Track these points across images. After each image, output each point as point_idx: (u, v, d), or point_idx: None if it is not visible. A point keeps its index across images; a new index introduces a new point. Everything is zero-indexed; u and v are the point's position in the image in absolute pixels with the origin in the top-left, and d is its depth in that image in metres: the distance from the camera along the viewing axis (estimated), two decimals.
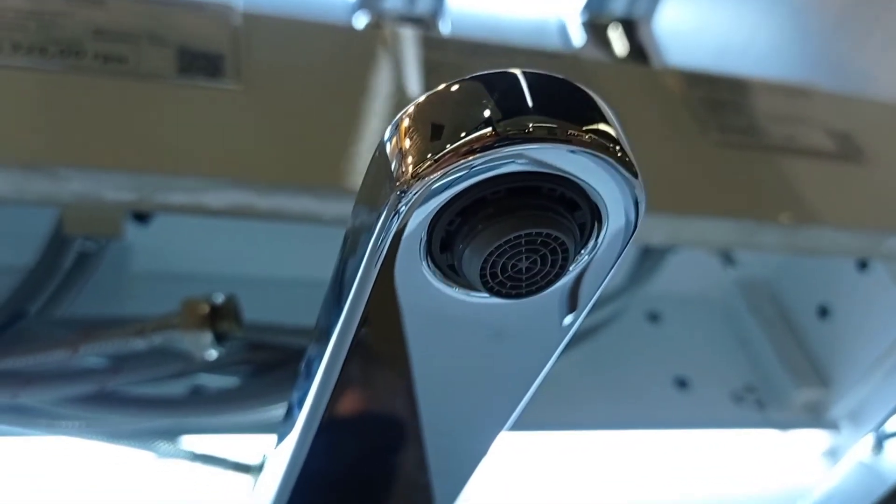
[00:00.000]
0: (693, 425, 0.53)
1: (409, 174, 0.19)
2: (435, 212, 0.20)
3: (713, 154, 0.44)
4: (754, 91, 0.49)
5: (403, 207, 0.20)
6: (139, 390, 0.39)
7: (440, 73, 0.41)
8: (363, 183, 0.22)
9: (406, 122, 0.20)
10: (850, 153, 0.48)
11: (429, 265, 0.22)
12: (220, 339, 0.37)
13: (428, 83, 0.41)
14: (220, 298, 0.37)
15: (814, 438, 0.55)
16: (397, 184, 0.20)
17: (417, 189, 0.20)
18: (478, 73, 0.20)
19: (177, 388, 0.40)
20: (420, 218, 0.20)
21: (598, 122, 0.20)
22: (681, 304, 0.58)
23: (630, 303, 0.51)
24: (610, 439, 0.51)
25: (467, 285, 0.22)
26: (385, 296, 0.23)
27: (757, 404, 0.55)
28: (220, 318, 0.37)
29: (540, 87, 0.20)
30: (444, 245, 0.21)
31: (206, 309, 0.36)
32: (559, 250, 0.21)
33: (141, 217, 0.43)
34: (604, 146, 0.19)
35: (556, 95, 0.20)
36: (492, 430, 0.31)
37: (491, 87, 0.20)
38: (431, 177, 0.19)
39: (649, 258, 0.49)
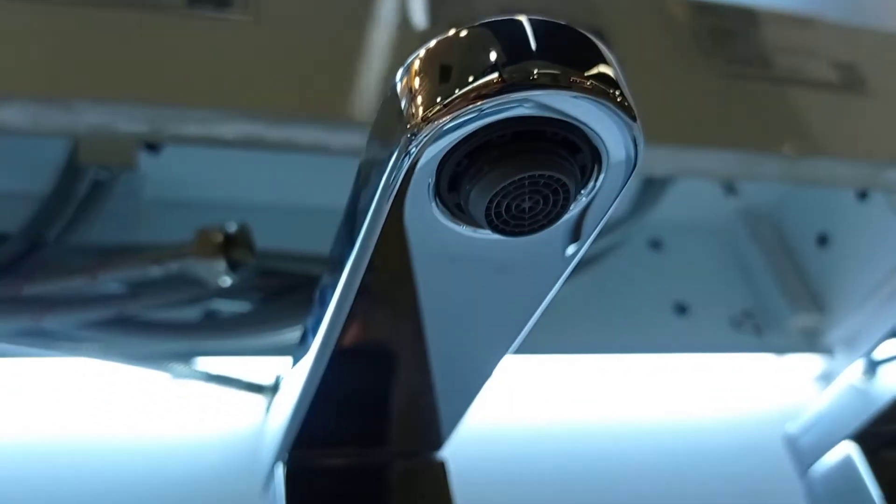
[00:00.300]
0: (692, 349, 0.54)
1: (420, 117, 0.20)
2: (443, 153, 0.21)
3: (718, 85, 0.45)
4: (761, 21, 0.49)
5: (414, 149, 0.21)
6: (156, 315, 0.40)
7: (448, 4, 0.42)
8: (376, 120, 0.23)
9: (417, 65, 0.21)
10: (853, 84, 0.48)
11: (437, 204, 0.23)
12: (233, 266, 0.38)
13: (435, 15, 0.41)
14: (233, 227, 0.38)
15: (809, 363, 0.56)
16: (408, 126, 0.21)
17: (427, 132, 0.20)
18: (485, 20, 0.21)
19: (191, 313, 0.42)
20: (429, 158, 0.21)
21: (599, 66, 0.20)
22: (682, 231, 0.59)
23: (632, 231, 0.52)
24: (611, 363, 0.53)
25: (473, 223, 0.23)
26: (395, 230, 0.24)
27: (755, 329, 0.56)
28: (234, 247, 0.38)
29: (544, 34, 0.20)
30: (451, 185, 0.22)
31: (219, 238, 0.37)
32: (561, 191, 0.22)
33: (152, 146, 0.44)
34: (604, 91, 0.20)
35: (559, 41, 0.21)
36: (495, 354, 0.32)
37: (498, 34, 0.20)
38: (441, 120, 0.20)
39: (652, 187, 0.50)
